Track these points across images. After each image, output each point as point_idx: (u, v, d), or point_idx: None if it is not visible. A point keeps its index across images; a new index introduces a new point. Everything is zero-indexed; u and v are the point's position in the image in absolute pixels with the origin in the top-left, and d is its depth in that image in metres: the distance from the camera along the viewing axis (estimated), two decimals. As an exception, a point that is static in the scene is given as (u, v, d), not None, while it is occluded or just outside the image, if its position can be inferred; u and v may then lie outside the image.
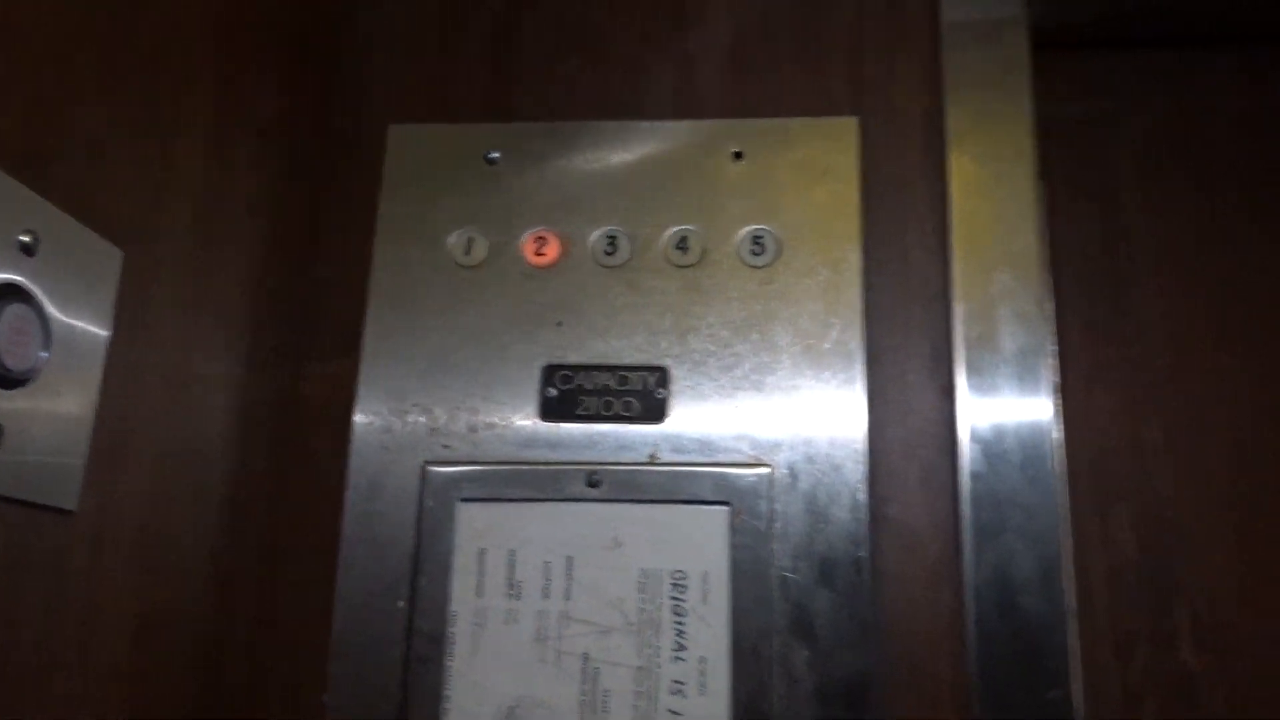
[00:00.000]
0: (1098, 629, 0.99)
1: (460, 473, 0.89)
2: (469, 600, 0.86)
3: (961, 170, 0.95)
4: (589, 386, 0.91)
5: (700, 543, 0.86)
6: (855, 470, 0.87)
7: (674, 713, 0.82)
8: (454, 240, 0.96)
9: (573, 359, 0.92)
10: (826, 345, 0.90)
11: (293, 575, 0.95)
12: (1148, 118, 1.12)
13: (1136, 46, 1.12)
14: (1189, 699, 0.98)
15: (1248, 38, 1.11)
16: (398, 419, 0.91)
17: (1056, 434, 0.88)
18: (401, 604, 0.86)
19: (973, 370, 0.89)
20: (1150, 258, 1.10)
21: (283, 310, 0.98)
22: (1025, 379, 0.89)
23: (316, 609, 0.89)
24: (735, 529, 0.85)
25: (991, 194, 0.94)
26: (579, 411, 0.91)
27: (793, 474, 0.87)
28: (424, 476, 0.89)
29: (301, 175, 1.02)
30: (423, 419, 0.91)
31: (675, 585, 0.85)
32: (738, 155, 0.97)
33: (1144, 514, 1.03)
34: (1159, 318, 1.08)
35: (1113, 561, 1.02)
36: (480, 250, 0.95)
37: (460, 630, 0.86)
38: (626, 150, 0.99)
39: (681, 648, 0.84)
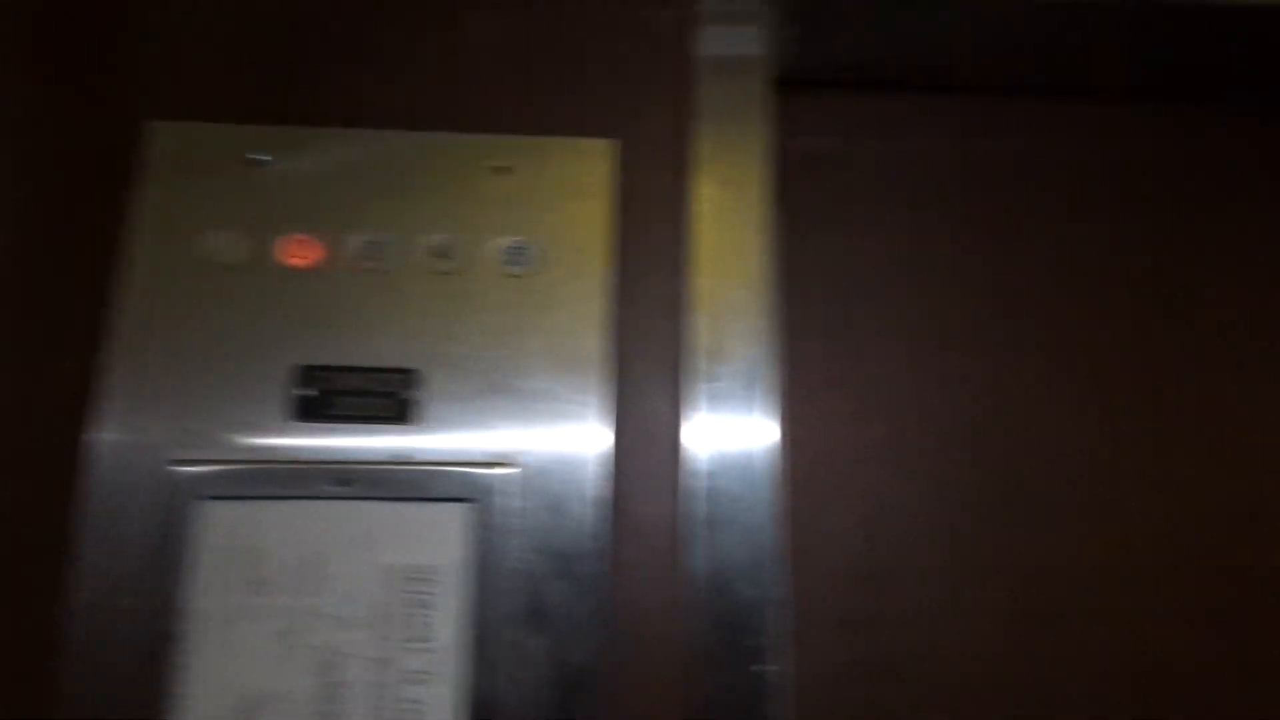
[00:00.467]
0: (816, 612, 1.10)
1: (206, 472, 0.90)
2: (212, 598, 0.87)
3: (704, 194, 1.03)
4: (342, 388, 0.94)
5: (446, 539, 0.90)
6: (596, 470, 0.93)
7: (412, 701, 0.86)
8: (211, 240, 0.96)
9: (327, 360, 0.94)
10: (576, 353, 0.96)
11: (31, 576, 0.93)
12: (877, 154, 1.24)
13: (868, 90, 1.24)
14: (899, 678, 1.10)
15: (964, 87, 1.26)
16: (144, 417, 0.91)
17: (776, 438, 0.97)
18: (140, 603, 0.86)
19: (705, 378, 0.97)
20: (877, 277, 1.22)
21: (29, 306, 0.96)
22: (751, 387, 0.98)
23: (49, 612, 0.87)
24: (480, 525, 0.90)
25: (729, 217, 1.02)
26: (331, 412, 0.93)
27: (538, 473, 0.92)
28: (168, 475, 0.89)
29: (51, 171, 0.99)
30: (170, 417, 0.91)
31: (421, 580, 0.89)
32: (500, 169, 1.01)
33: (865, 509, 1.15)
34: (884, 329, 1.21)
35: (833, 551, 1.13)
36: (238, 251, 0.96)
37: (201, 628, 0.86)
38: (392, 158, 1.02)
39: (424, 639, 0.87)
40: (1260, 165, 1.30)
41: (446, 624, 0.88)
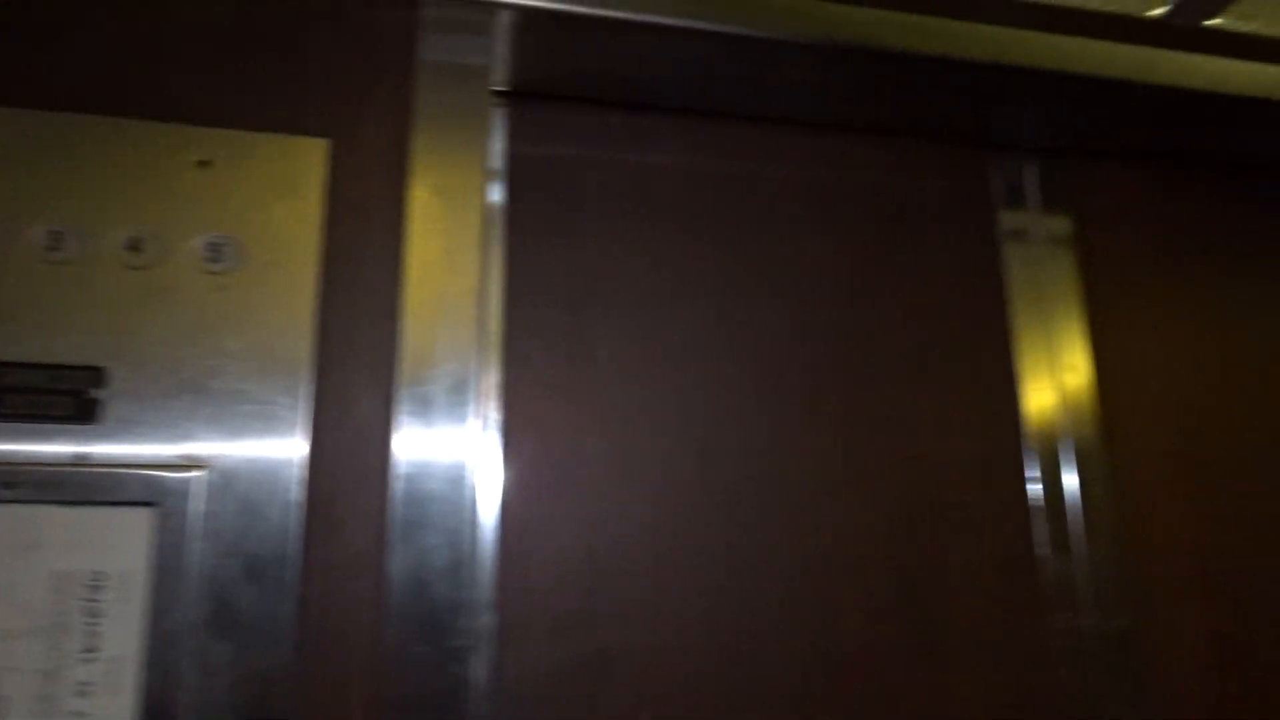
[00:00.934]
0: (529, 613, 1.13)
1: None
2: None
3: (420, 199, 1.04)
4: (16, 385, 0.89)
5: (124, 544, 0.87)
6: (293, 473, 0.92)
7: (79, 714, 0.82)
8: None
9: (1, 356, 0.89)
10: (277, 354, 0.95)
11: None
12: (604, 166, 1.30)
13: (596, 105, 1.29)
14: (608, 675, 1.15)
15: (684, 109, 1.33)
16: None
17: (485, 442, 1.00)
18: None
19: (414, 383, 0.99)
20: (606, 288, 1.27)
21: None
22: (463, 393, 1.00)
23: None
24: (164, 530, 0.87)
25: (445, 223, 1.04)
26: (2, 410, 0.88)
27: (229, 476, 0.91)
28: None
29: None
30: None
31: (92, 587, 0.85)
32: (204, 163, 0.99)
33: (583, 513, 1.19)
34: (609, 337, 1.26)
35: (548, 554, 1.17)
36: (-105, 235, 0.89)
37: None
38: (89, 146, 0.97)
39: (93, 649, 0.84)
40: (940, 190, 1.45)
41: (120, 633, 0.85)
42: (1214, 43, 1.38)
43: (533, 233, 1.26)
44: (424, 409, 0.98)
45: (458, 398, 0.99)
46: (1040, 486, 1.37)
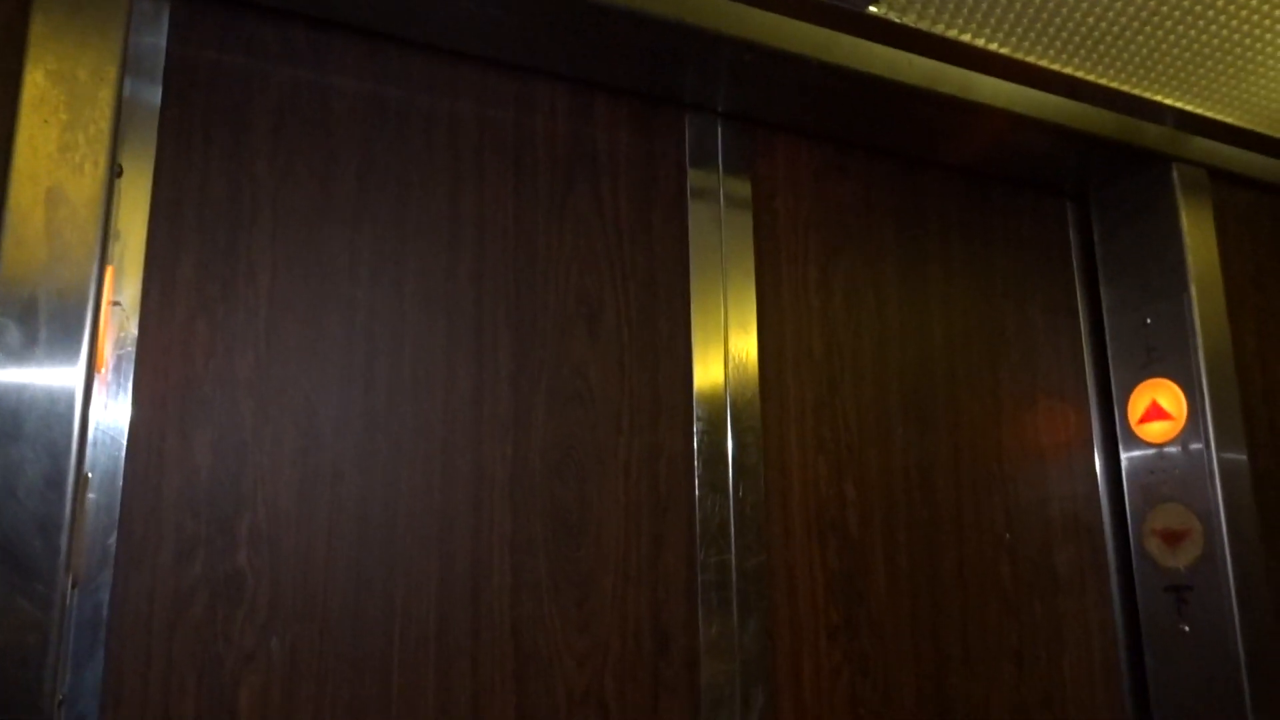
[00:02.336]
0: (160, 534, 1.08)
1: None
2: None
3: (35, 84, 0.95)
4: None
5: None
6: None
7: None
8: None
9: None
10: None
11: None
12: (284, 82, 1.24)
13: (278, 15, 1.23)
14: (237, 597, 1.12)
15: (375, 33, 1.29)
16: None
17: (118, 359, 0.94)
18: None
19: (12, 287, 0.91)
20: (272, 209, 1.22)
21: None
22: (69, 304, 0.93)
23: None
24: None
25: (67, 116, 0.96)
26: None
27: None
28: None
29: None
30: None
31: None
32: None
33: (227, 436, 1.15)
34: (271, 264, 1.21)
35: (186, 474, 1.12)
36: None
37: None
38: None
39: None
40: (632, 144, 1.50)
41: None
42: (888, 32, 1.49)
43: (192, 142, 1.19)
44: (27, 316, 0.91)
45: (69, 307, 0.92)
46: (703, 436, 1.46)
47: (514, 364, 1.33)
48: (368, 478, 1.21)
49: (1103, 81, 1.59)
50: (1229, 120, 1.72)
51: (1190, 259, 1.78)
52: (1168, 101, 1.66)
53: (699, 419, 1.46)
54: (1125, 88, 1.61)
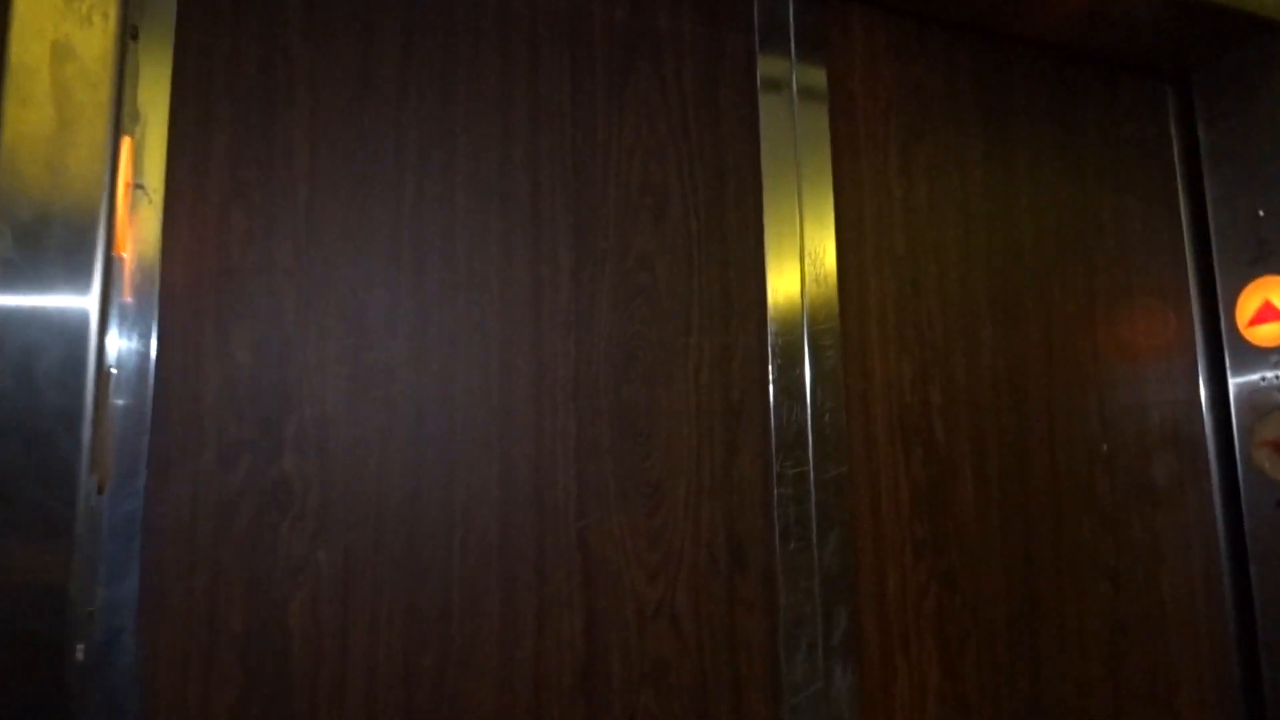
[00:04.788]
0: (201, 438, 1.00)
1: None
2: None
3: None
4: None
5: None
6: None
7: None
8: None
9: None
10: None
11: None
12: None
13: None
14: (284, 504, 1.04)
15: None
16: None
17: (143, 243, 0.84)
18: None
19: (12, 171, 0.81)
20: (309, 87, 1.11)
21: None
22: (82, 182, 0.83)
23: None
24: None
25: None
26: None
27: None
28: None
29: None
30: None
31: None
32: None
33: (268, 331, 1.05)
34: (310, 145, 1.10)
35: (227, 373, 1.03)
36: None
37: None
38: None
39: None
40: (697, 27, 1.36)
41: None
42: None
43: (218, 8, 1.07)
44: (33, 188, 0.81)
45: (83, 178, 0.82)
46: (777, 338, 1.34)
47: (574, 256, 1.22)
48: (421, 376, 1.11)
49: None
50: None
51: (1311, 142, 1.61)
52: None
53: (773, 319, 1.34)
54: None
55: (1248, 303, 1.68)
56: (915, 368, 1.44)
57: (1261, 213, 1.66)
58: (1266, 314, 1.65)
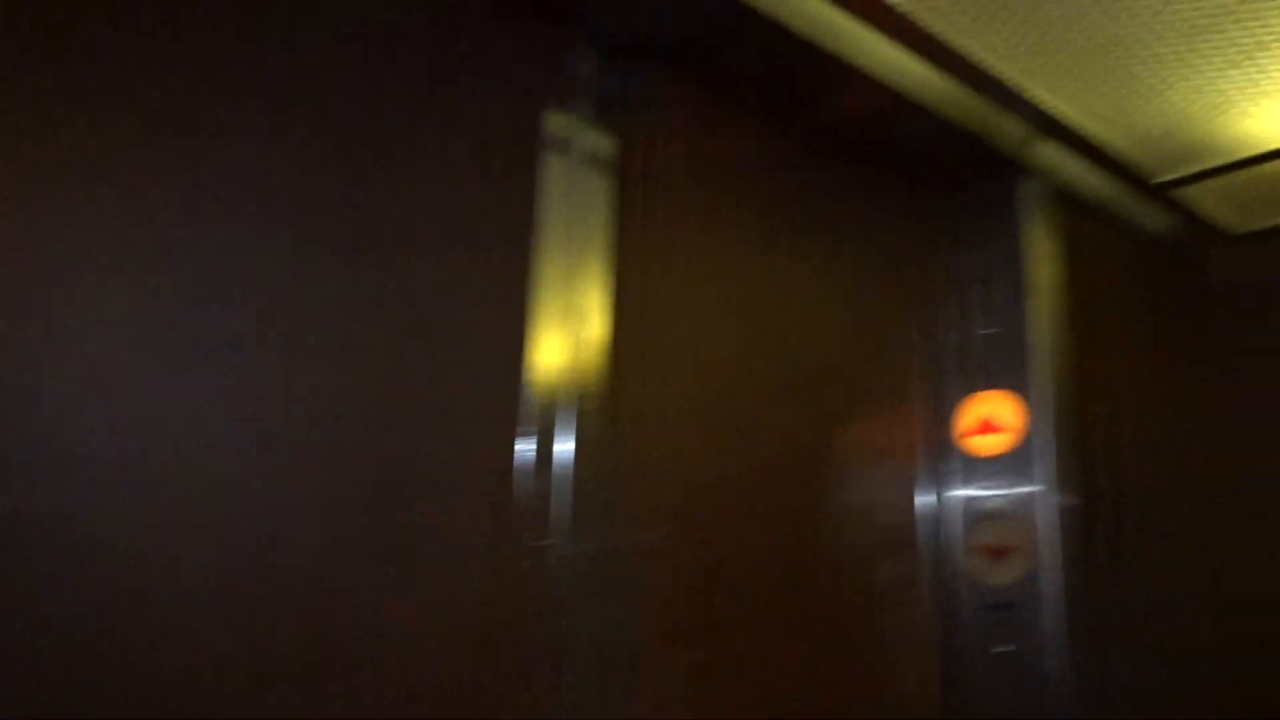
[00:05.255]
0: None
1: None
2: None
3: None
4: None
5: None
6: None
7: None
8: None
9: None
10: None
11: None
12: None
13: None
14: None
15: None
16: None
17: None
18: None
19: None
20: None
21: None
22: None
23: None
24: None
25: None
26: None
27: None
28: None
29: None
30: None
31: None
32: None
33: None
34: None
35: None
36: None
37: None
38: None
39: None
40: (497, 55, 1.26)
41: None
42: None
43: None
44: None
45: None
46: (537, 399, 1.22)
47: (345, 294, 1.05)
48: (170, 413, 0.88)
49: (982, 58, 1.49)
50: (1088, 129, 1.71)
51: (1035, 275, 1.76)
52: (1039, 96, 1.60)
53: (534, 380, 1.22)
54: (1002, 70, 1.52)
55: (971, 414, 1.78)
56: (689, 443, 1.37)
57: (990, 331, 1.79)
58: (987, 426, 1.76)
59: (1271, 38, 1.39)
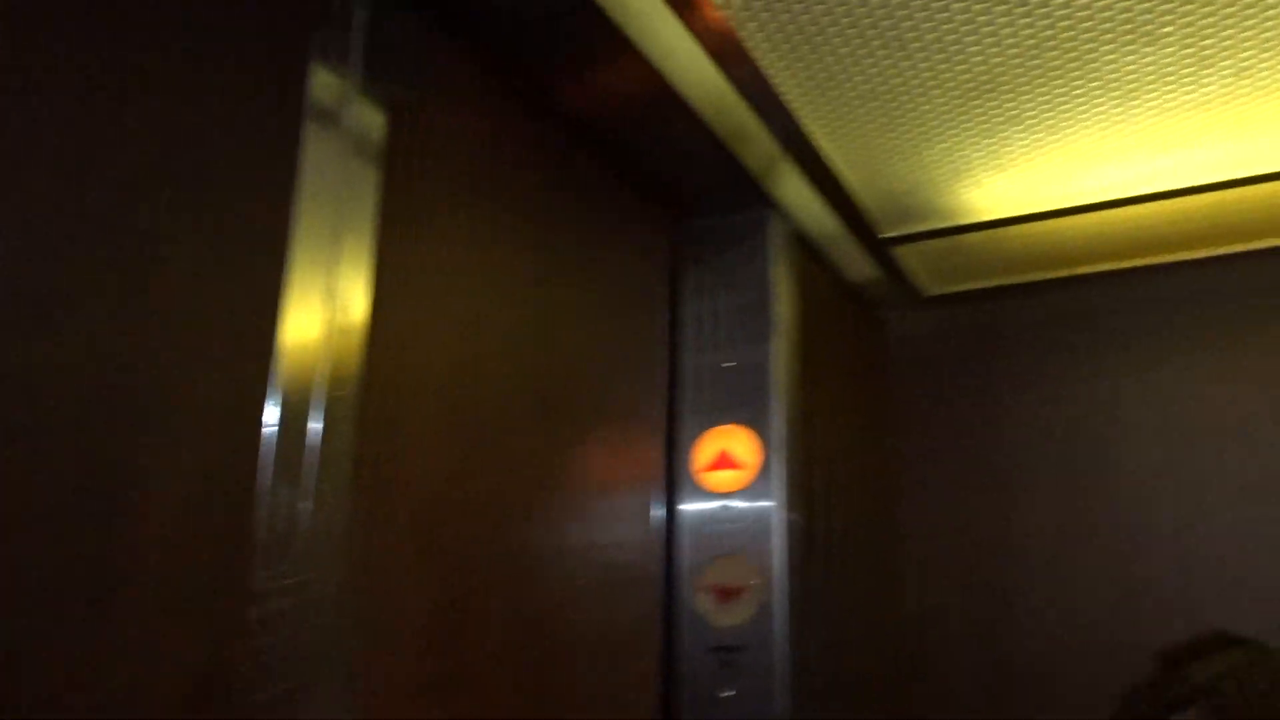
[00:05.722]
0: None
1: None
2: None
3: None
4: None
5: None
6: None
7: None
8: None
9: None
10: None
11: None
12: None
13: None
14: None
15: None
16: None
17: None
18: None
19: None
20: None
21: None
22: None
23: None
24: None
25: None
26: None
27: None
28: None
29: None
30: None
31: None
32: None
33: None
34: None
35: None
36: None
37: None
38: None
39: None
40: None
41: None
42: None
43: None
44: None
45: None
46: (280, 417, 0.97)
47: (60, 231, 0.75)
48: None
49: (765, 64, 1.41)
50: (840, 170, 1.72)
51: (775, 311, 1.75)
52: (809, 128, 1.58)
53: (285, 376, 0.98)
54: (779, 83, 1.45)
55: (707, 448, 1.73)
56: (445, 459, 1.17)
57: (729, 364, 1.76)
58: (723, 462, 1.71)
59: (1024, 112, 1.47)
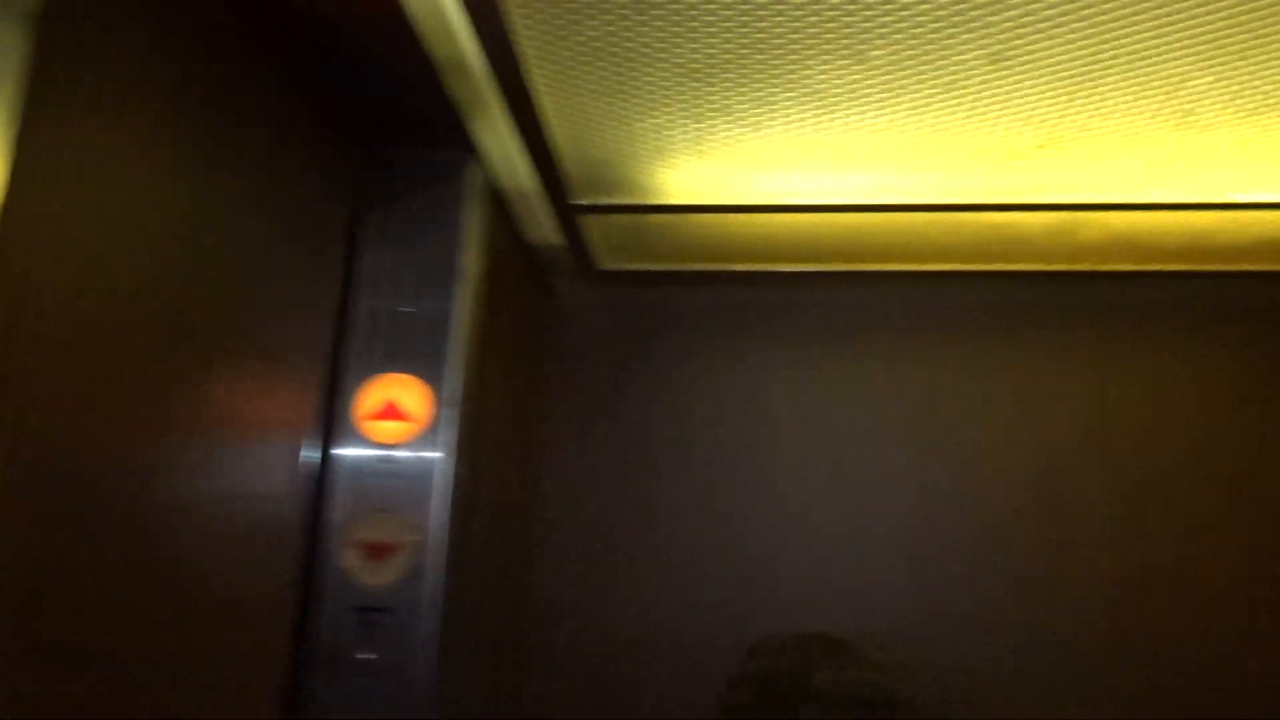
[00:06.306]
0: None
1: None
2: None
3: None
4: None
5: None
6: None
7: None
8: None
9: None
10: None
11: None
12: None
13: None
14: None
15: None
16: None
17: None
18: None
19: None
20: None
21: None
22: None
23: None
24: None
25: None
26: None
27: None
28: None
29: None
30: None
31: None
32: None
33: None
34: None
35: None
36: None
37: None
38: None
39: None
40: None
41: None
42: None
43: None
44: None
45: None
46: None
47: None
48: None
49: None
50: (550, 124, 1.68)
51: (462, 261, 1.67)
52: (535, 74, 1.52)
53: None
54: (512, 21, 1.40)
55: (372, 396, 1.62)
56: (59, 382, 0.96)
57: (408, 309, 1.65)
58: (390, 412, 1.61)
59: (734, 104, 1.52)
